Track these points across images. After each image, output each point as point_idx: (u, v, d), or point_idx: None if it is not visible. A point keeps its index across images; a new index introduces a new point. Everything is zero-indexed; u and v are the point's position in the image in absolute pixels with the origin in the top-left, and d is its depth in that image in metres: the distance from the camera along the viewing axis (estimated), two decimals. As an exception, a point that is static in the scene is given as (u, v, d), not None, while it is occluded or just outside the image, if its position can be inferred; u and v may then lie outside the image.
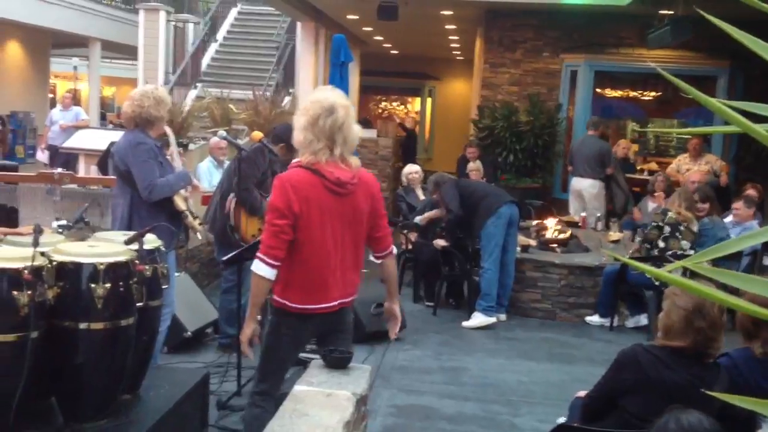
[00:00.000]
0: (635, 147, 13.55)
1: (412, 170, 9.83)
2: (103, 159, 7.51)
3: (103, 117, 23.42)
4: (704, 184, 8.54)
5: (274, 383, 3.67)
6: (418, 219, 8.45)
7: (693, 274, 1.84)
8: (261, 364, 3.69)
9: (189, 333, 5.99)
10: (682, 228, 7.05)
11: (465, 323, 7.35)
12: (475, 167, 10.36)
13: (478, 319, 7.32)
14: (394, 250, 3.83)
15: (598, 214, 9.98)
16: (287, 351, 3.65)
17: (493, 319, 7.33)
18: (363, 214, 3.55)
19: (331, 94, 3.52)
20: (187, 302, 6.17)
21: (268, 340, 3.64)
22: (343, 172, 3.45)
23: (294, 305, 3.51)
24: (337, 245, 3.49)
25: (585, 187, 10.49)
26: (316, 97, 3.51)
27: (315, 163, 3.41)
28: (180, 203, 4.81)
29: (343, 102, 3.50)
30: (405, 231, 8.77)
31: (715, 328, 3.07)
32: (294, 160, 3.54)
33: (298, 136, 3.47)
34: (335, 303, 3.54)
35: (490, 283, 7.31)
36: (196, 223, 4.90)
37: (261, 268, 3.43)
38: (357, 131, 3.54)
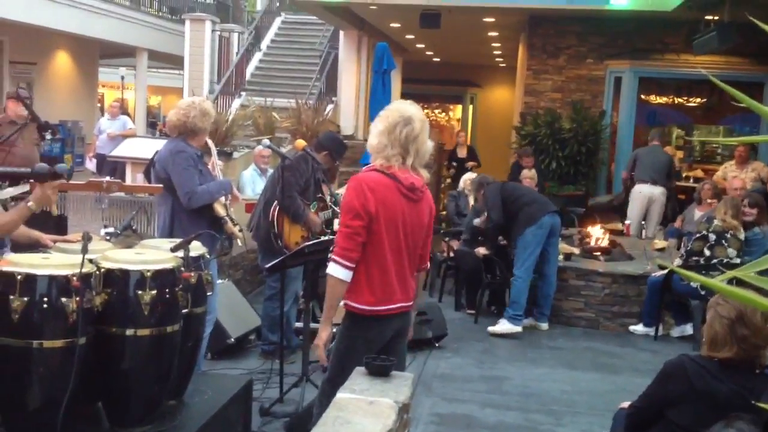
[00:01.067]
0: (680, 154, 13.38)
1: (469, 177, 10.16)
2: (149, 167, 7.62)
3: (153, 125, 23.74)
4: (754, 191, 8.39)
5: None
6: (465, 236, 8.42)
7: (739, 283, 1.81)
8: (335, 368, 3.72)
9: (232, 339, 6.04)
10: (728, 236, 6.94)
11: (490, 328, 7.31)
12: (530, 175, 10.26)
13: (503, 326, 7.27)
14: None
15: (658, 224, 9.89)
16: (360, 356, 3.60)
17: (518, 329, 7.26)
18: (425, 223, 3.68)
19: (411, 108, 3.64)
20: (231, 309, 6.23)
21: (342, 344, 3.71)
22: (416, 179, 3.58)
23: (365, 308, 3.57)
24: (401, 249, 3.59)
25: (657, 194, 10.34)
26: (397, 106, 3.65)
27: (389, 167, 3.52)
28: (220, 210, 4.86)
29: (421, 116, 3.61)
30: (447, 239, 8.76)
31: (759, 335, 3.02)
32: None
33: (372, 140, 3.59)
34: (398, 305, 3.63)
35: (520, 291, 7.25)
36: (236, 229, 4.95)
37: (337, 271, 3.49)
38: (430, 146, 3.64)
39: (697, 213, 9.02)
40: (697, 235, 7.06)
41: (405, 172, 3.53)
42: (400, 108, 3.61)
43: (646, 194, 10.44)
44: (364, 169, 3.66)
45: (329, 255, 3.61)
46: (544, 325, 7.51)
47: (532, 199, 7.55)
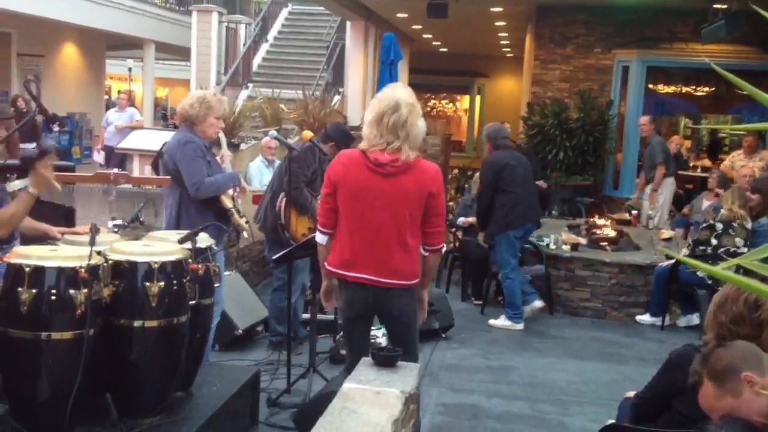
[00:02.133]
0: (688, 143, 13.34)
1: None
2: (157, 159, 7.64)
3: (165, 118, 23.75)
4: (758, 177, 8.36)
5: (354, 355, 3.85)
6: (460, 221, 8.44)
7: (746, 273, 1.82)
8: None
9: (240, 331, 6.07)
10: (735, 225, 6.92)
11: (491, 321, 7.31)
12: None
13: (504, 322, 7.28)
14: (443, 249, 4.06)
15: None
16: (341, 312, 3.97)
17: (520, 326, 7.24)
18: (408, 198, 3.74)
19: (398, 92, 3.77)
20: (238, 300, 6.26)
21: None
22: (391, 156, 3.70)
23: (331, 269, 3.86)
24: (371, 220, 3.75)
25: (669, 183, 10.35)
26: (385, 94, 3.78)
27: (366, 148, 3.75)
28: (226, 201, 4.87)
29: (409, 100, 3.74)
30: (453, 229, 8.76)
31: (738, 323, 3.01)
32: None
33: (365, 130, 3.77)
34: (364, 276, 3.77)
35: (514, 292, 7.21)
36: (242, 221, 4.97)
37: (317, 235, 3.92)
38: (422, 127, 3.78)
39: (705, 203, 9.01)
40: (704, 225, 7.05)
41: (381, 152, 3.70)
42: (388, 95, 3.75)
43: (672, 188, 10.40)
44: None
45: None
46: (539, 303, 7.49)
47: (521, 199, 7.16)
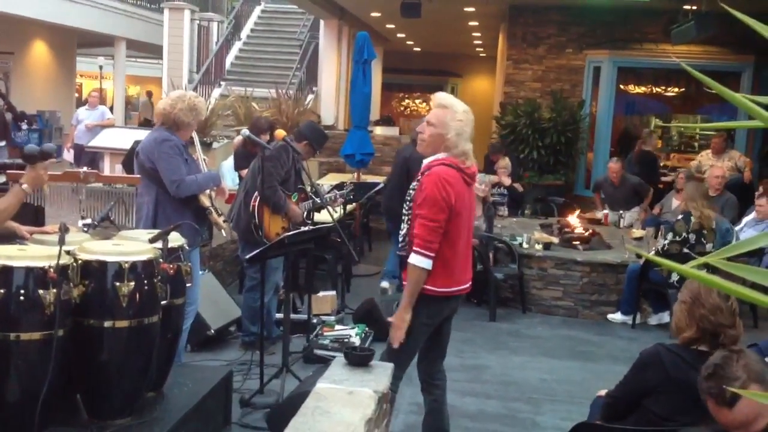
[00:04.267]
0: (658, 143, 13.46)
1: None
2: (129, 158, 7.59)
3: (148, 123, 23.52)
4: (731, 180, 8.50)
5: (404, 367, 3.96)
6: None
7: (713, 271, 1.84)
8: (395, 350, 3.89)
9: (212, 331, 6.03)
10: (704, 232, 6.95)
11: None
12: (503, 165, 10.29)
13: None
14: None
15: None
16: (422, 336, 3.94)
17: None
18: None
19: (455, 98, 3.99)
20: (211, 300, 6.22)
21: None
22: (472, 167, 3.89)
23: (437, 289, 3.81)
24: (466, 233, 3.92)
25: None
26: (460, 104, 3.90)
27: (456, 161, 3.80)
28: (204, 200, 4.85)
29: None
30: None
31: (718, 313, 3.06)
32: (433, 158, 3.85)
33: (456, 141, 3.79)
34: (463, 287, 3.98)
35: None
36: (220, 219, 4.94)
37: (423, 262, 3.71)
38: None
39: (675, 202, 9.11)
40: (677, 239, 7.01)
41: (463, 163, 3.84)
42: (462, 105, 3.89)
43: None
44: (432, 163, 3.83)
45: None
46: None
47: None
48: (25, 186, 3.60)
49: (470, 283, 4.06)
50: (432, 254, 3.70)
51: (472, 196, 3.97)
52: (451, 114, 3.79)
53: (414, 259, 3.71)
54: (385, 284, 7.84)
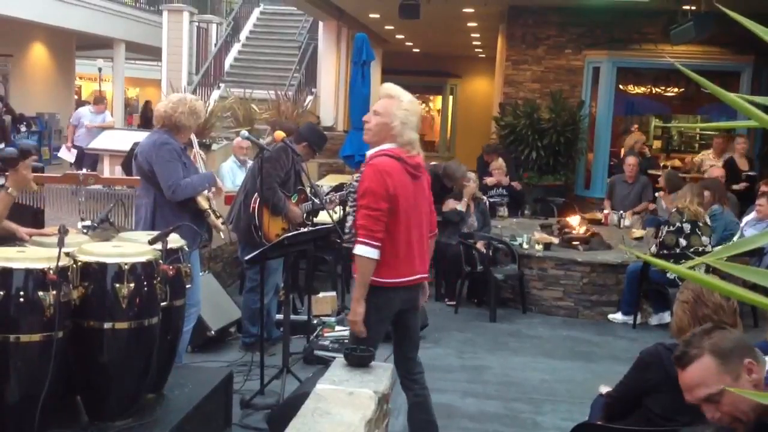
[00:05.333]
0: (658, 143, 13.48)
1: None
2: (128, 159, 7.58)
3: (148, 120, 23.46)
4: (711, 180, 8.53)
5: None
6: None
7: (713, 271, 1.84)
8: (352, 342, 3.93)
9: (212, 332, 6.03)
10: (700, 224, 7.01)
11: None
12: (497, 165, 10.31)
13: None
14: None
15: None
16: (375, 329, 3.89)
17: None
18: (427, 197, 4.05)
19: (401, 89, 3.95)
20: (211, 301, 6.21)
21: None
22: (416, 158, 3.88)
23: (382, 280, 3.80)
24: (413, 223, 3.89)
25: None
26: (406, 95, 3.89)
27: (399, 152, 3.81)
28: (203, 202, 4.84)
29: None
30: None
31: (721, 312, 3.05)
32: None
33: (401, 131, 3.81)
34: (416, 277, 3.95)
35: None
36: (219, 222, 4.94)
37: (370, 252, 3.72)
38: None
39: (662, 202, 9.15)
40: (671, 228, 7.07)
41: (408, 154, 3.85)
42: (409, 96, 3.90)
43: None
44: (375, 155, 3.86)
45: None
46: None
47: None
48: (10, 189, 3.59)
49: (423, 274, 4.02)
50: (377, 243, 3.71)
51: (420, 187, 3.94)
52: (397, 103, 3.81)
53: (359, 249, 3.72)
54: None
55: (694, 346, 2.46)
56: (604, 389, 3.61)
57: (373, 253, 3.71)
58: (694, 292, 3.11)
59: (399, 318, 4.01)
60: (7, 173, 3.71)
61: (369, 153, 3.88)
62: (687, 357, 2.46)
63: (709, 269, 4.93)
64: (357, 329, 3.80)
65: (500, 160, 10.48)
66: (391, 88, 3.95)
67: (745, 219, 8.06)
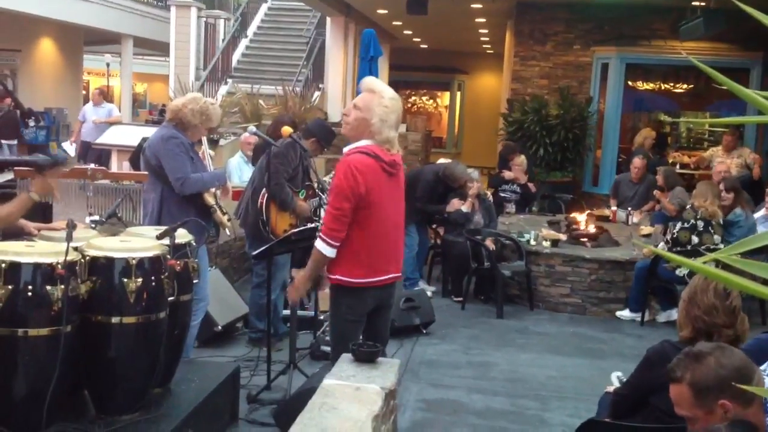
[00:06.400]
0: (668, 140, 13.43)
1: None
2: (136, 155, 7.59)
3: (162, 112, 23.45)
4: (733, 176, 8.46)
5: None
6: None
7: (723, 267, 1.83)
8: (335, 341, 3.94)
9: (219, 327, 6.03)
10: (713, 222, 6.99)
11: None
12: (520, 161, 10.22)
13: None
14: None
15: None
16: (352, 328, 3.87)
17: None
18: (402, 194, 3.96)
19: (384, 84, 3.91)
20: (218, 297, 6.22)
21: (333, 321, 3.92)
22: (396, 156, 3.80)
23: (353, 280, 3.76)
24: (389, 223, 3.83)
25: None
26: (388, 89, 3.80)
27: (376, 149, 3.72)
28: (209, 198, 4.84)
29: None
30: (434, 225, 8.76)
31: (712, 314, 3.04)
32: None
33: (380, 128, 3.71)
34: (390, 276, 3.87)
35: None
36: (225, 218, 4.93)
37: (327, 250, 3.71)
38: None
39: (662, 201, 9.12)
40: (685, 225, 7.05)
41: (387, 152, 3.75)
42: (390, 91, 3.81)
43: None
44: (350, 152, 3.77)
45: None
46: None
47: None
48: (32, 194, 3.61)
49: (396, 274, 3.93)
50: (335, 243, 3.68)
51: (397, 186, 3.86)
52: (378, 99, 3.70)
53: (318, 244, 3.73)
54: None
55: (680, 368, 2.49)
56: (611, 387, 3.60)
57: (329, 252, 3.69)
58: (690, 291, 3.12)
59: (370, 316, 3.93)
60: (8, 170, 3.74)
61: (346, 149, 3.80)
62: (672, 375, 2.51)
63: (719, 265, 4.92)
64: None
65: (522, 156, 10.40)
66: (373, 82, 3.87)
67: (756, 215, 8.03)
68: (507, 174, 10.17)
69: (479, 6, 13.46)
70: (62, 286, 3.06)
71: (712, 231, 6.96)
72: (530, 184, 10.31)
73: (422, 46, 21.00)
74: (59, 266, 3.06)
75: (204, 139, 5.24)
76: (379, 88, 3.78)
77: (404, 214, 4.02)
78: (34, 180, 3.70)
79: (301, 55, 16.15)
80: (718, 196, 7.21)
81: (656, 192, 9.17)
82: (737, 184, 7.78)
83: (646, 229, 8.81)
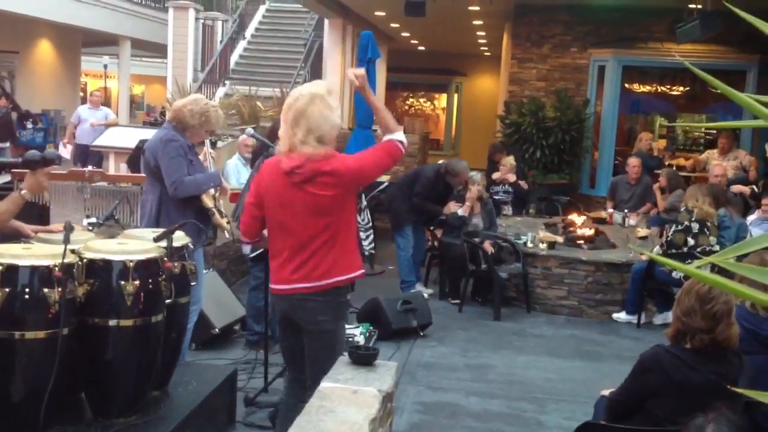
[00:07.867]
0: (663, 142, 13.45)
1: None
2: (134, 156, 7.59)
3: (163, 114, 23.46)
4: (736, 179, 8.47)
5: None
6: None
7: (719, 271, 1.84)
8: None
9: (217, 330, 6.03)
10: (708, 224, 6.99)
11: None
12: (507, 161, 10.25)
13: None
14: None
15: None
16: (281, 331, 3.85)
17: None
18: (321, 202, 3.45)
19: (306, 86, 3.61)
20: (215, 299, 6.22)
21: None
22: (293, 160, 3.43)
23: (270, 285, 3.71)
24: (286, 229, 3.52)
25: None
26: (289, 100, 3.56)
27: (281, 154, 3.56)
28: (207, 201, 4.83)
29: (309, 90, 3.52)
30: (432, 228, 8.76)
31: (691, 315, 3.12)
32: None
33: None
34: (287, 287, 3.53)
35: None
36: (224, 221, 4.93)
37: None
38: (324, 117, 3.47)
39: (660, 201, 9.13)
40: (679, 228, 7.05)
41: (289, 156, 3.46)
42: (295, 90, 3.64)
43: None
44: None
45: None
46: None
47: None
48: (24, 192, 3.61)
49: (299, 285, 3.48)
50: (243, 230, 3.72)
51: (302, 192, 3.41)
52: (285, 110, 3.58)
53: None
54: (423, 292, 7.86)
55: None
56: (606, 391, 3.61)
57: (245, 241, 3.78)
58: (680, 291, 3.21)
59: (286, 333, 3.73)
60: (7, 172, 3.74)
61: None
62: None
63: (714, 269, 4.93)
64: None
65: (510, 157, 10.43)
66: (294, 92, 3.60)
67: (750, 218, 8.05)
68: (494, 175, 10.21)
69: (477, 8, 13.47)
70: (59, 289, 3.06)
71: (707, 232, 6.96)
72: (521, 182, 10.32)
73: (420, 48, 21.01)
74: (56, 269, 3.06)
75: (207, 141, 5.22)
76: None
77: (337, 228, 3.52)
78: (24, 178, 3.70)
79: (299, 57, 16.15)
80: (715, 197, 7.21)
81: (655, 186, 9.20)
82: (714, 191, 7.78)
83: (642, 232, 8.82)
